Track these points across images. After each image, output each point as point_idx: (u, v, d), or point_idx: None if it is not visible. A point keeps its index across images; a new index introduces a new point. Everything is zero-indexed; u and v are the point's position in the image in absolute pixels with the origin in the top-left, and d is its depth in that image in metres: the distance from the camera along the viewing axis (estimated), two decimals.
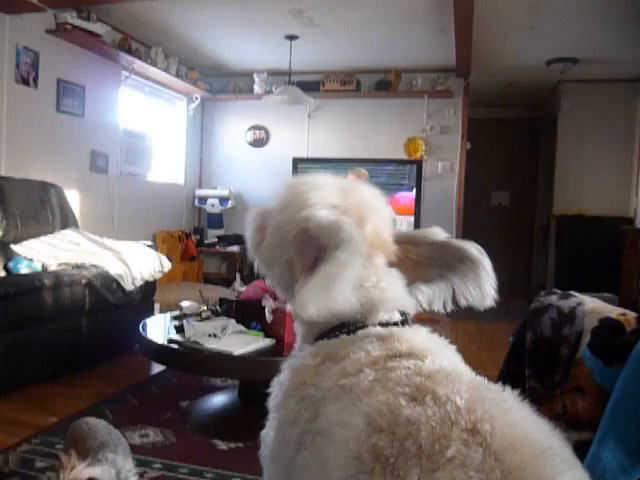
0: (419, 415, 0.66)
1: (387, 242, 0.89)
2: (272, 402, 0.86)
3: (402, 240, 0.91)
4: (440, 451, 0.62)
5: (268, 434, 0.85)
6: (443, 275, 0.89)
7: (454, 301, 0.90)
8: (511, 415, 0.67)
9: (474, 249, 0.88)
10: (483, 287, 0.87)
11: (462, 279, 0.88)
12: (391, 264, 0.88)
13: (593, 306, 1.75)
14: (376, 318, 0.84)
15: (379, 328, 0.83)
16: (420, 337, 0.83)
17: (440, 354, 0.80)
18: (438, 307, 0.91)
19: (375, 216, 0.87)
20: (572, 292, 1.88)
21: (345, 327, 0.82)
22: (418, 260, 0.90)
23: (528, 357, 1.80)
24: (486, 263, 0.87)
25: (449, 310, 0.92)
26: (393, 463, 0.63)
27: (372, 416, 0.68)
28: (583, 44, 4.88)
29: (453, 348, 0.84)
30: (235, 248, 6.01)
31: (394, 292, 0.87)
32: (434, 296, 0.91)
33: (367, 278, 0.84)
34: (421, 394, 0.69)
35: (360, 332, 0.81)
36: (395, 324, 0.84)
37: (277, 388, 0.85)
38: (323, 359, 0.79)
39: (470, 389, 0.70)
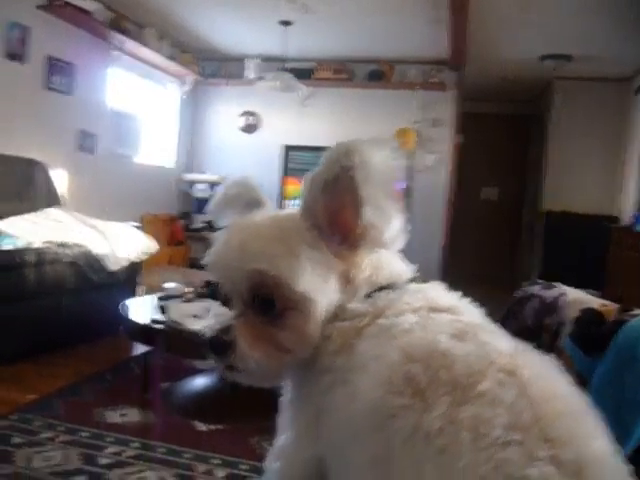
0: (457, 349, 0.65)
1: None
2: (305, 364, 0.82)
3: None
4: (472, 385, 0.61)
5: (292, 394, 0.85)
6: None
7: None
8: (552, 374, 0.66)
9: None
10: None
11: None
12: None
13: (575, 297, 1.76)
14: (405, 277, 0.84)
15: (415, 285, 0.82)
16: (451, 294, 0.83)
17: (476, 312, 0.80)
18: None
19: None
20: (555, 283, 1.89)
21: (385, 289, 0.81)
22: None
23: None
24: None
25: None
26: (424, 389, 0.63)
27: (408, 349, 0.68)
28: (577, 41, 4.89)
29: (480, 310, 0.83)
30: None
31: (392, 253, 0.86)
32: None
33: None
34: (462, 334, 0.69)
35: (400, 290, 0.80)
36: (415, 281, 0.84)
37: (314, 354, 0.80)
38: (370, 320, 0.77)
39: (512, 342, 0.70)
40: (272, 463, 0.83)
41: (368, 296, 0.80)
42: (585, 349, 1.56)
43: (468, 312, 0.79)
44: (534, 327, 1.69)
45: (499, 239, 7.53)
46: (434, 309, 0.76)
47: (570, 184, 6.06)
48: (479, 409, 0.59)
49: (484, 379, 0.61)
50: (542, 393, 0.61)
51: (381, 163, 0.74)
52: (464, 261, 6.82)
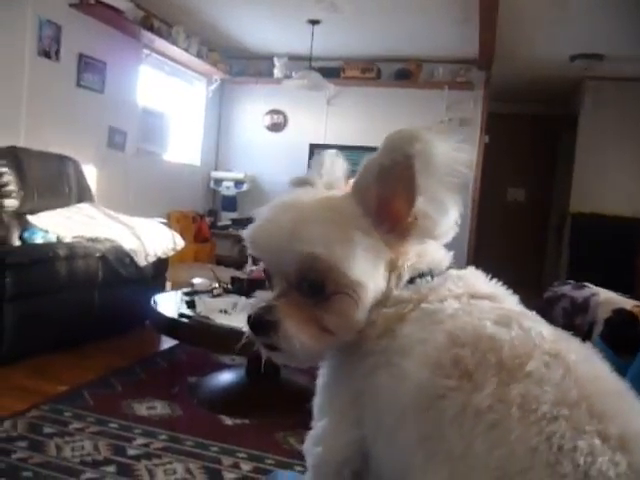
0: (503, 334, 0.67)
1: None
2: (347, 348, 0.82)
3: None
4: (520, 366, 0.63)
5: (329, 377, 0.85)
6: None
7: None
8: (594, 357, 0.68)
9: None
10: None
11: None
12: None
13: (607, 297, 1.73)
14: (445, 263, 0.85)
15: (456, 271, 0.83)
16: (489, 281, 0.83)
17: (514, 300, 0.81)
18: None
19: None
20: (586, 283, 1.87)
21: (426, 275, 0.82)
22: None
23: None
24: None
25: None
26: (472, 371, 0.64)
27: (455, 333, 0.69)
28: (609, 40, 4.80)
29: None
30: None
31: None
32: None
33: None
34: (506, 320, 0.70)
35: (441, 276, 0.81)
36: (453, 268, 0.85)
37: (357, 338, 0.80)
38: (414, 306, 0.77)
39: (554, 329, 0.71)
40: (312, 448, 0.83)
41: (411, 282, 0.80)
42: (616, 350, 1.54)
43: (508, 300, 0.80)
44: (565, 327, 1.67)
45: (525, 241, 7.44)
46: (475, 296, 0.77)
47: (600, 186, 5.96)
48: (527, 387, 0.61)
49: (531, 360, 0.63)
50: (586, 374, 0.63)
51: (443, 154, 0.73)
52: (489, 262, 6.74)
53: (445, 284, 0.79)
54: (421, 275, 0.81)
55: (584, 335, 1.60)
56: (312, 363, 0.88)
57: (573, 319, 1.67)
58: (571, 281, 1.88)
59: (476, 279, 0.83)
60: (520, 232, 7.45)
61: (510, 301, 0.80)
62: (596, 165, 5.97)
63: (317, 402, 0.86)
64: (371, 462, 0.78)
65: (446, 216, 0.76)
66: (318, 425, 0.83)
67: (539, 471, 0.56)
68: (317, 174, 0.90)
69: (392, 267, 0.80)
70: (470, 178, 0.77)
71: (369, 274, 0.76)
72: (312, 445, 0.83)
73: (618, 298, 1.70)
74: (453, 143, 0.74)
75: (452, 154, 0.74)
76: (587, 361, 0.66)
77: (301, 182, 0.91)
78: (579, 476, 0.55)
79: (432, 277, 0.81)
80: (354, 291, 0.76)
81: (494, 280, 0.84)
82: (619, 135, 5.92)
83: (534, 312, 0.79)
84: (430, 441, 0.65)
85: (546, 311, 1.77)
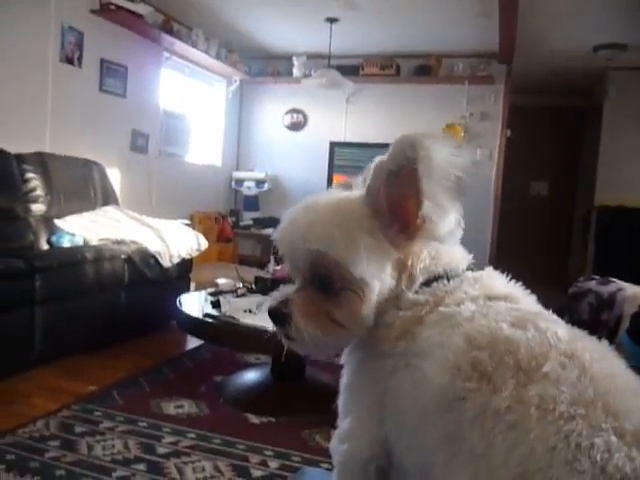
0: (520, 336, 0.69)
1: None
2: (366, 349, 0.86)
3: None
4: (537, 367, 0.65)
5: (352, 377, 0.88)
6: None
7: None
8: (609, 356, 0.70)
9: None
10: None
11: None
12: None
13: (634, 292, 1.71)
14: (462, 266, 0.86)
15: (472, 273, 0.85)
16: (506, 282, 0.86)
17: (531, 300, 0.83)
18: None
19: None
20: (612, 278, 1.85)
21: (442, 277, 0.84)
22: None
23: None
24: None
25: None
26: (490, 374, 0.67)
27: (472, 336, 0.71)
28: (633, 30, 4.71)
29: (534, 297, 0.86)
30: (270, 231, 6.04)
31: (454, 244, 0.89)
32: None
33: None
34: (522, 322, 0.72)
35: (457, 279, 0.83)
36: (472, 269, 0.87)
37: (376, 338, 0.84)
38: (431, 309, 0.80)
39: (569, 329, 0.73)
40: (339, 446, 0.86)
41: (427, 284, 0.83)
42: None
43: (524, 300, 0.82)
44: (591, 323, 1.66)
45: (550, 236, 7.35)
46: (492, 297, 0.79)
47: (626, 177, 5.85)
48: (545, 388, 0.63)
49: (547, 362, 0.65)
50: (601, 372, 0.65)
51: (443, 159, 0.76)
52: (513, 257, 6.69)
53: (461, 286, 0.81)
54: (437, 278, 0.83)
55: (610, 331, 1.59)
56: (327, 353, 0.96)
57: (599, 315, 1.65)
58: (596, 276, 1.86)
59: (493, 280, 0.85)
60: (544, 227, 7.36)
61: (527, 301, 0.82)
62: (621, 156, 5.87)
63: (341, 401, 0.90)
64: (394, 459, 0.80)
65: (446, 218, 0.79)
66: (343, 424, 0.87)
67: (558, 468, 0.58)
68: (363, 177, 0.93)
69: (401, 268, 0.83)
70: (467, 181, 0.79)
71: (373, 272, 0.80)
72: (338, 443, 0.87)
73: None
74: (452, 148, 0.77)
75: (450, 159, 0.77)
76: (602, 359, 0.68)
77: (344, 185, 0.97)
78: (596, 472, 0.57)
79: (448, 280, 0.83)
80: (359, 288, 0.80)
81: (512, 280, 0.86)
82: None
83: (551, 311, 0.80)
84: (451, 441, 0.67)
85: (571, 307, 1.75)
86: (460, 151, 0.78)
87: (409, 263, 0.83)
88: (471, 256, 0.90)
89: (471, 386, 0.67)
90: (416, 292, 0.82)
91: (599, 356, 0.68)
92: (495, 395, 0.65)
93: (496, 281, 0.85)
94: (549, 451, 0.59)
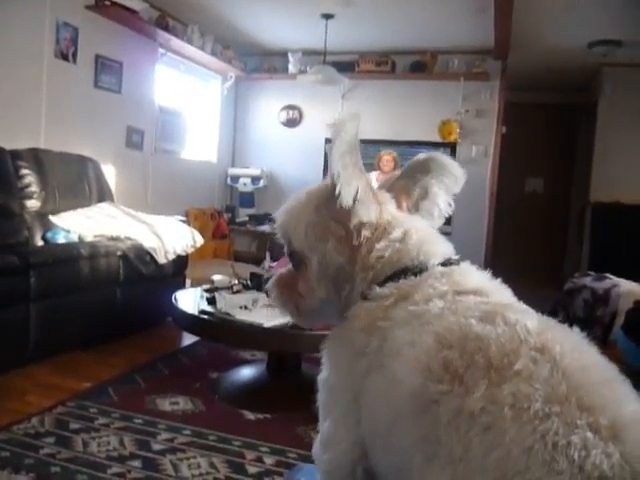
0: (489, 332, 0.69)
1: (382, 194, 0.96)
2: (338, 341, 0.90)
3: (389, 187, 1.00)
4: (508, 365, 0.64)
5: (329, 374, 0.89)
6: (424, 185, 0.99)
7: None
8: (580, 345, 0.70)
9: (434, 154, 1.02)
10: (452, 172, 1.01)
11: (438, 177, 0.99)
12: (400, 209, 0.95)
13: (629, 288, 1.72)
14: (434, 260, 0.87)
15: (441, 268, 0.86)
16: (479, 276, 0.86)
17: (503, 292, 0.84)
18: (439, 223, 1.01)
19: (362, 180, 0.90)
20: (607, 274, 1.85)
21: (409, 271, 0.85)
22: (406, 191, 0.99)
23: None
24: (444, 157, 1.01)
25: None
26: (462, 374, 0.66)
27: (442, 334, 0.71)
28: (627, 26, 4.72)
29: (509, 289, 0.86)
30: (266, 227, 6.04)
31: (433, 235, 0.91)
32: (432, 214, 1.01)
33: (400, 225, 0.90)
34: (491, 316, 0.72)
35: (425, 273, 0.85)
36: (451, 263, 0.88)
37: (344, 329, 0.88)
38: (395, 300, 0.82)
39: (539, 319, 0.73)
40: (321, 455, 0.87)
41: (393, 279, 0.85)
42: (638, 341, 1.53)
43: (495, 293, 0.82)
44: (586, 319, 1.66)
45: (545, 232, 7.36)
46: (460, 292, 0.80)
47: (621, 174, 5.86)
48: (517, 386, 0.62)
49: (518, 358, 0.65)
50: (573, 365, 0.64)
51: (340, 139, 0.85)
52: (508, 253, 6.71)
53: (428, 281, 0.82)
54: (402, 270, 0.85)
55: (605, 327, 1.59)
56: (311, 323, 1.19)
57: (594, 310, 1.66)
58: (592, 272, 1.87)
59: (463, 275, 0.85)
60: (540, 223, 7.37)
61: (498, 294, 0.82)
62: (616, 153, 5.89)
63: (321, 402, 0.91)
64: (369, 462, 0.80)
65: (348, 187, 0.85)
66: (323, 427, 0.87)
67: (536, 470, 0.57)
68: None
69: (351, 247, 0.88)
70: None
71: (312, 245, 0.90)
72: (321, 451, 0.86)
73: None
74: (352, 129, 0.86)
75: (347, 138, 0.85)
76: (574, 350, 0.67)
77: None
78: (575, 471, 0.56)
79: (415, 274, 0.84)
80: (307, 259, 0.91)
81: (487, 273, 0.87)
82: (639, 121, 5.82)
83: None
84: (427, 443, 0.67)
85: (567, 303, 1.75)
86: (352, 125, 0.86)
87: (355, 243, 0.88)
88: (453, 250, 0.91)
89: (443, 389, 0.67)
90: (382, 286, 0.85)
91: (570, 347, 0.67)
92: (468, 397, 0.64)
93: (467, 275, 0.85)
94: (526, 452, 0.58)
